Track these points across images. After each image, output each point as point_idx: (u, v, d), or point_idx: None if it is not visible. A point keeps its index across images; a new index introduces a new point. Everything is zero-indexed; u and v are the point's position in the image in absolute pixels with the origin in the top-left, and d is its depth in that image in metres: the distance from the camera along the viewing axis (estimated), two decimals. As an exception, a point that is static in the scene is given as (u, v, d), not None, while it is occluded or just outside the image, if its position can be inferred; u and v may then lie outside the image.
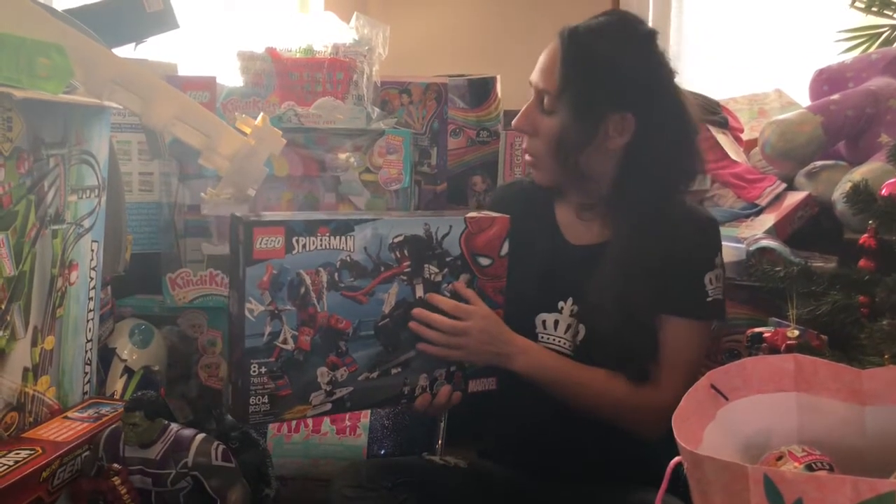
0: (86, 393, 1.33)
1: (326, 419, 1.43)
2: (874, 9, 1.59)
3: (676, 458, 0.79)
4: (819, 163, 1.75)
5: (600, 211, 1.23)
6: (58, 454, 1.08)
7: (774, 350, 1.19)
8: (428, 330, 1.14)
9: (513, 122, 1.25)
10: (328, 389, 1.10)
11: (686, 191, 1.25)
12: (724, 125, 1.95)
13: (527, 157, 1.26)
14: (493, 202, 1.40)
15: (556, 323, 1.22)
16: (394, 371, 1.14)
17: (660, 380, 1.16)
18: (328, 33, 1.80)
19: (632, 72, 1.15)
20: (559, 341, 1.22)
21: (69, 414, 1.23)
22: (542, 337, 1.22)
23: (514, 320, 1.19)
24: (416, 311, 1.13)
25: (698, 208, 1.30)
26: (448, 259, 1.15)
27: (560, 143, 1.18)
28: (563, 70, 1.16)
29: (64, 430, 1.16)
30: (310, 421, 1.43)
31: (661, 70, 1.19)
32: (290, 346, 1.06)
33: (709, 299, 1.18)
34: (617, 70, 1.15)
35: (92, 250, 1.33)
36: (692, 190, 1.79)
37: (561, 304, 1.22)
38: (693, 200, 1.30)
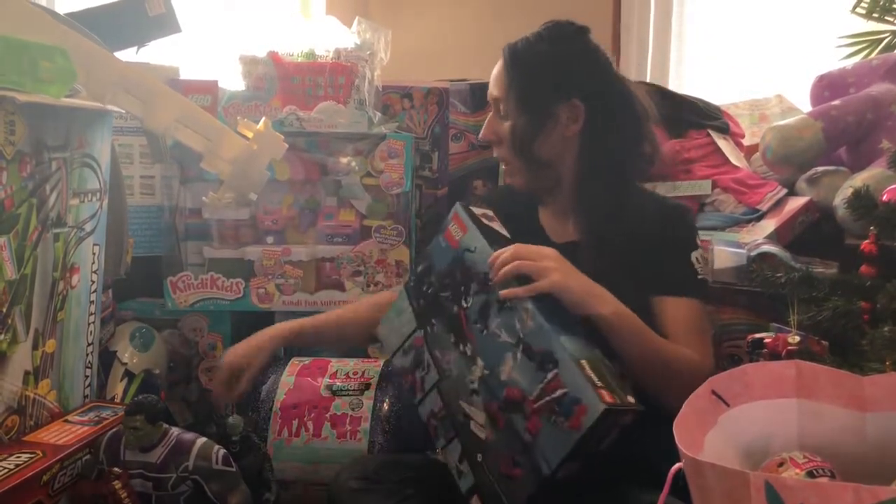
0: (86, 396, 1.33)
1: (327, 423, 1.43)
2: (875, 15, 1.59)
3: (678, 465, 0.78)
4: (820, 168, 1.75)
5: (571, 205, 1.31)
6: (58, 458, 1.08)
7: (775, 356, 1.19)
8: (502, 252, 1.10)
9: (479, 136, 1.37)
10: None
11: (646, 176, 1.37)
12: (724, 130, 1.95)
13: (501, 165, 1.36)
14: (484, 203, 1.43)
15: None
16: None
17: (696, 351, 1.19)
18: (330, 37, 1.80)
19: (568, 61, 1.27)
20: None
21: (70, 417, 1.23)
22: None
23: None
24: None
25: (668, 198, 1.42)
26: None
27: (515, 137, 1.28)
28: (507, 75, 1.28)
29: (64, 434, 1.16)
30: (310, 425, 1.43)
31: (598, 57, 1.29)
32: None
33: (699, 277, 1.27)
34: (553, 61, 1.26)
35: (93, 253, 1.33)
36: (694, 195, 1.83)
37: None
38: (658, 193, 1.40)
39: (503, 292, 1.07)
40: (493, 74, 1.32)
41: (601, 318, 1.12)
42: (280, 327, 1.50)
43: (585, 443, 0.96)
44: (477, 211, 1.20)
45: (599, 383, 0.96)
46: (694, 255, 1.27)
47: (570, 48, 1.28)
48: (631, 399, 0.98)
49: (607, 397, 0.95)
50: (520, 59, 1.28)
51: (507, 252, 1.10)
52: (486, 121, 1.34)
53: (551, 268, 1.09)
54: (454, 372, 1.12)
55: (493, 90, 1.32)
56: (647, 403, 1.16)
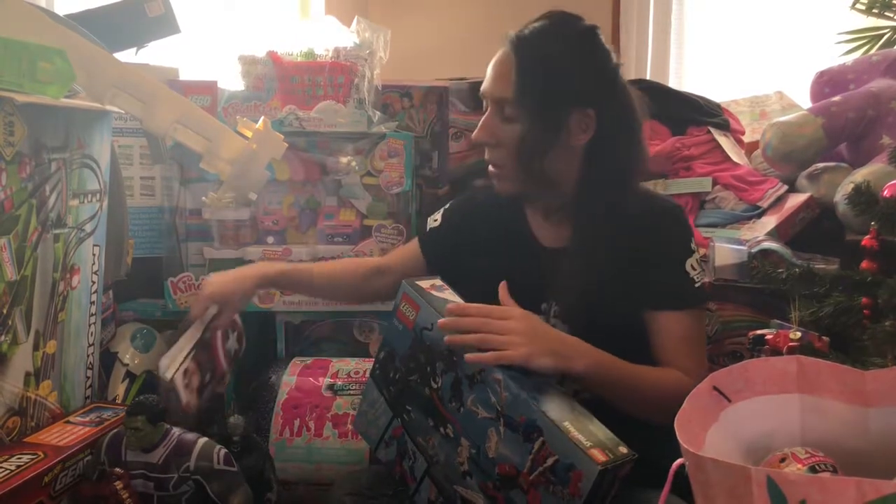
0: (87, 397, 1.33)
1: (328, 423, 1.43)
2: (875, 10, 1.59)
3: (679, 460, 0.78)
4: (820, 165, 1.74)
5: (568, 212, 1.24)
6: (59, 458, 1.08)
7: (777, 352, 1.18)
8: (463, 320, 1.04)
9: (472, 136, 1.23)
10: None
11: (640, 182, 1.28)
12: (725, 127, 1.95)
13: (490, 168, 1.24)
14: (448, 216, 1.37)
15: None
16: None
17: (690, 369, 1.16)
18: (329, 37, 1.80)
19: (586, 68, 1.17)
20: None
21: (71, 418, 1.23)
22: None
23: None
24: (444, 318, 1.05)
25: (660, 197, 1.32)
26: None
27: (524, 148, 1.18)
28: (520, 75, 1.16)
29: (66, 435, 1.16)
30: (312, 425, 1.43)
31: (610, 63, 1.21)
32: None
33: (696, 285, 1.20)
34: (572, 68, 1.17)
35: (93, 254, 1.33)
36: (694, 192, 1.83)
37: (543, 305, 1.22)
38: (649, 190, 1.31)
39: (469, 357, 1.01)
40: (495, 69, 1.19)
41: (577, 375, 1.08)
42: (265, 265, 1.40)
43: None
44: (425, 284, 1.13)
45: (588, 443, 0.93)
46: (689, 263, 1.19)
47: (585, 51, 1.18)
48: (623, 449, 0.94)
49: (600, 456, 0.91)
50: (534, 55, 1.16)
51: (468, 320, 1.04)
52: (483, 120, 1.21)
53: (517, 342, 1.02)
54: (441, 456, 1.07)
55: (496, 89, 1.19)
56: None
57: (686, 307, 1.19)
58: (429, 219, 1.39)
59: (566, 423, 0.95)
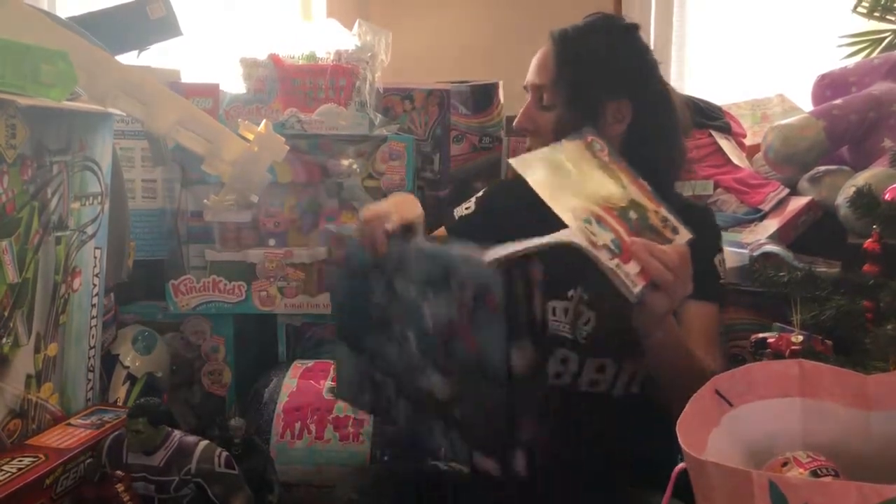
0: (89, 400, 1.33)
1: (329, 425, 1.43)
2: (876, 14, 1.59)
3: (681, 464, 0.78)
4: (822, 168, 1.74)
5: None
6: (61, 461, 1.08)
7: (779, 355, 1.18)
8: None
9: (514, 123, 1.29)
10: None
11: (678, 181, 1.30)
12: (726, 130, 1.95)
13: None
14: (483, 202, 1.39)
15: (566, 310, 1.23)
16: None
17: (709, 357, 1.16)
18: (331, 40, 1.80)
19: (621, 60, 1.22)
20: (564, 327, 1.22)
21: (72, 421, 1.23)
22: (553, 324, 1.23)
23: None
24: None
25: (692, 199, 1.37)
26: None
27: (560, 134, 1.19)
28: (558, 65, 1.22)
29: (67, 437, 1.16)
30: (313, 427, 1.43)
31: (647, 57, 1.25)
32: None
33: (721, 280, 1.23)
34: (607, 59, 1.21)
35: (95, 257, 1.33)
36: (696, 196, 1.82)
37: (571, 292, 1.23)
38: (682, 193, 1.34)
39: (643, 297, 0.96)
40: (538, 61, 1.26)
41: (657, 339, 1.06)
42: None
43: (512, 312, 0.92)
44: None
45: (485, 257, 0.93)
46: (717, 259, 1.23)
47: (624, 44, 1.24)
48: (514, 248, 0.94)
49: (491, 257, 0.92)
50: (572, 48, 1.22)
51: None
52: (524, 108, 1.27)
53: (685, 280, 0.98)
54: (400, 365, 1.06)
55: (536, 77, 1.25)
56: (649, 406, 1.17)
57: (710, 299, 1.20)
58: (456, 210, 1.41)
59: (466, 252, 0.96)
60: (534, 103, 1.26)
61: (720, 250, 1.25)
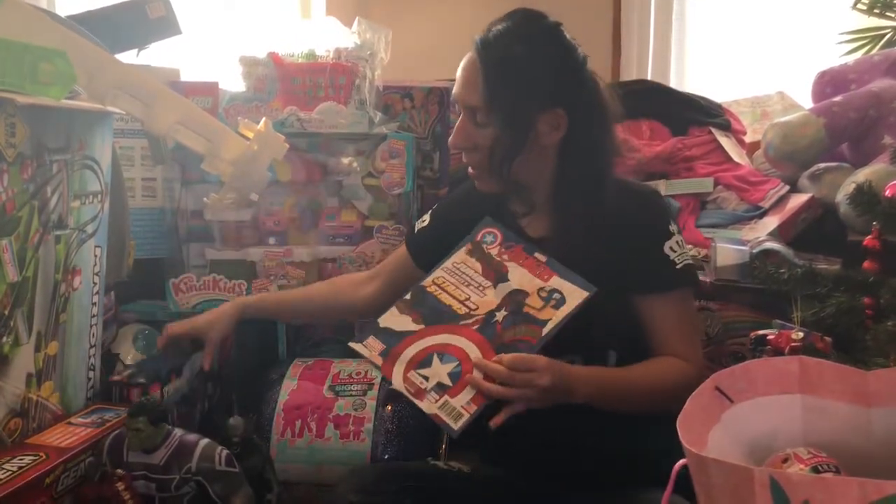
0: (89, 398, 1.33)
1: (330, 424, 1.43)
2: (876, 10, 1.58)
3: (682, 461, 0.78)
4: (822, 165, 1.74)
5: (548, 206, 1.26)
6: (61, 460, 1.08)
7: (779, 352, 1.18)
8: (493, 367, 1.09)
9: (449, 142, 1.27)
10: None
11: (618, 169, 1.29)
12: (726, 128, 1.95)
13: (469, 170, 1.28)
14: (438, 214, 1.40)
15: None
16: None
17: (684, 354, 1.19)
18: (330, 38, 1.80)
19: (552, 68, 1.19)
20: None
21: (73, 419, 1.23)
22: None
23: None
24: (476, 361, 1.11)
25: (635, 184, 1.33)
26: None
27: (497, 152, 1.20)
28: (487, 83, 1.18)
29: (67, 436, 1.16)
30: (313, 426, 1.43)
31: (576, 59, 1.22)
32: None
33: (678, 267, 1.21)
34: (538, 70, 1.18)
35: (95, 256, 1.33)
36: (696, 193, 1.82)
37: None
38: (625, 178, 1.31)
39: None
40: (464, 76, 1.21)
41: (580, 402, 1.12)
42: (243, 298, 1.53)
43: None
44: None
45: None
46: (668, 246, 1.21)
47: (550, 51, 1.19)
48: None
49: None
50: (502, 63, 1.18)
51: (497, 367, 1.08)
52: (457, 125, 1.24)
53: (532, 399, 1.08)
54: None
55: (467, 96, 1.20)
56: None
57: (669, 289, 1.21)
58: (416, 222, 1.43)
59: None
60: (468, 120, 1.22)
61: (671, 234, 1.22)
